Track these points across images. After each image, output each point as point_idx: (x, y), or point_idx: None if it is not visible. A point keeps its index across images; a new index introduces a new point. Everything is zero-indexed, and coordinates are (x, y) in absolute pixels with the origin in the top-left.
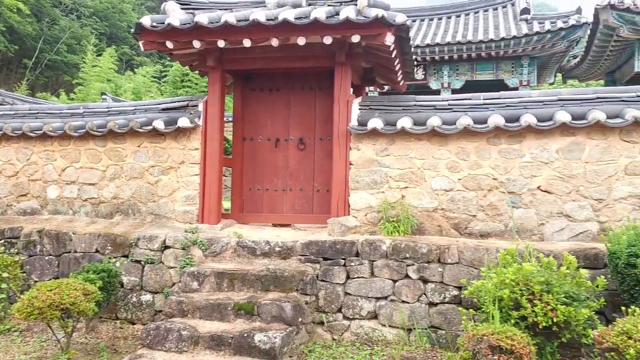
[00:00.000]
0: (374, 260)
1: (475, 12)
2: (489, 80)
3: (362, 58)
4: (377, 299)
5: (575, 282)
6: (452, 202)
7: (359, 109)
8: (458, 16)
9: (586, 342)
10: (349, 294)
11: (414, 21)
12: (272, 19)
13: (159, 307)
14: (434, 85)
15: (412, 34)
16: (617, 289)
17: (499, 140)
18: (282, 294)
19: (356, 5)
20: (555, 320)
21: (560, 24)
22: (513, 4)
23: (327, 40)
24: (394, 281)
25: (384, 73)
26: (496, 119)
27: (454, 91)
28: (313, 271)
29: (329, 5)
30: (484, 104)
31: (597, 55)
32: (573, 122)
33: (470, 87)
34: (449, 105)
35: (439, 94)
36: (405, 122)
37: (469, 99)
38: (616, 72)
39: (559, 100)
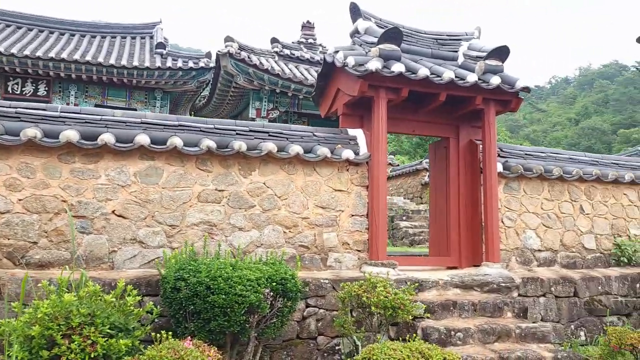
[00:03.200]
0: None
1: (113, 37)
2: (122, 108)
3: None
4: None
5: (124, 310)
6: (7, 226)
7: None
8: (93, 36)
9: None
10: None
11: (41, 31)
12: None
13: None
14: (58, 104)
15: (35, 43)
16: (168, 314)
17: (72, 158)
18: None
19: None
20: (93, 355)
21: (191, 64)
22: (152, 37)
23: None
24: None
25: None
26: (70, 134)
27: None
28: None
29: None
30: (61, 117)
31: (221, 98)
32: (153, 146)
33: None
34: (16, 113)
35: None
36: None
37: (44, 110)
38: (238, 116)
39: (143, 123)
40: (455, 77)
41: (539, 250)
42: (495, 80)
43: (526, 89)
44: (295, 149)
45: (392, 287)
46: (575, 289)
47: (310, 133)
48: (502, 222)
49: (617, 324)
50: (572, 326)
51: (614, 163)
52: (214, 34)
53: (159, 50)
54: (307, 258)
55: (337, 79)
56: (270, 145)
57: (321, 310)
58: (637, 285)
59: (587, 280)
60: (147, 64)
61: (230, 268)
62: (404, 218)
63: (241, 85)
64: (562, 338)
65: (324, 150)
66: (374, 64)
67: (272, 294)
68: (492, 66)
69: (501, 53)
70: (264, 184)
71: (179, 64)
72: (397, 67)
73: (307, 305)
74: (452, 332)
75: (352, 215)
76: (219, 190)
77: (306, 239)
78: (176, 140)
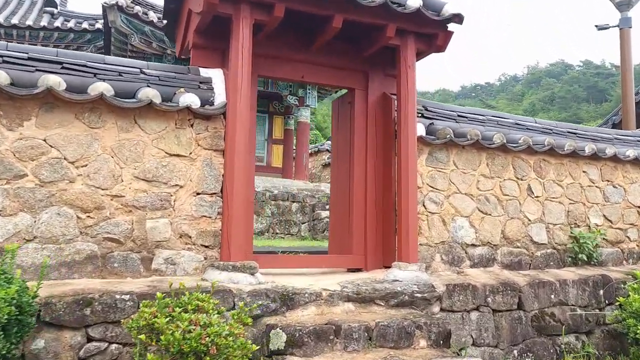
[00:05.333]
0: None
1: None
2: None
3: None
4: None
5: None
6: None
7: None
8: None
9: None
10: None
11: None
12: None
13: None
14: None
15: None
16: None
17: None
18: None
19: None
20: None
21: (85, 25)
22: None
23: None
24: None
25: None
26: None
27: None
28: None
29: None
30: None
31: None
32: None
33: None
34: None
35: None
36: None
37: None
38: None
39: None
40: None
41: (474, 245)
42: (413, 2)
43: (457, 18)
44: (99, 87)
45: (238, 304)
46: (520, 299)
47: (137, 69)
48: (424, 206)
49: (575, 346)
50: (515, 351)
51: (571, 132)
52: None
53: (48, 9)
54: (119, 258)
55: None
56: (53, 80)
57: (113, 346)
58: (600, 292)
59: (536, 287)
60: (29, 22)
61: None
62: (327, 207)
63: (138, 48)
64: None
65: (148, 93)
66: None
67: None
68: None
69: None
70: (45, 141)
71: (71, 24)
72: None
73: (90, 339)
74: None
75: (198, 194)
76: None
77: (117, 228)
78: None
